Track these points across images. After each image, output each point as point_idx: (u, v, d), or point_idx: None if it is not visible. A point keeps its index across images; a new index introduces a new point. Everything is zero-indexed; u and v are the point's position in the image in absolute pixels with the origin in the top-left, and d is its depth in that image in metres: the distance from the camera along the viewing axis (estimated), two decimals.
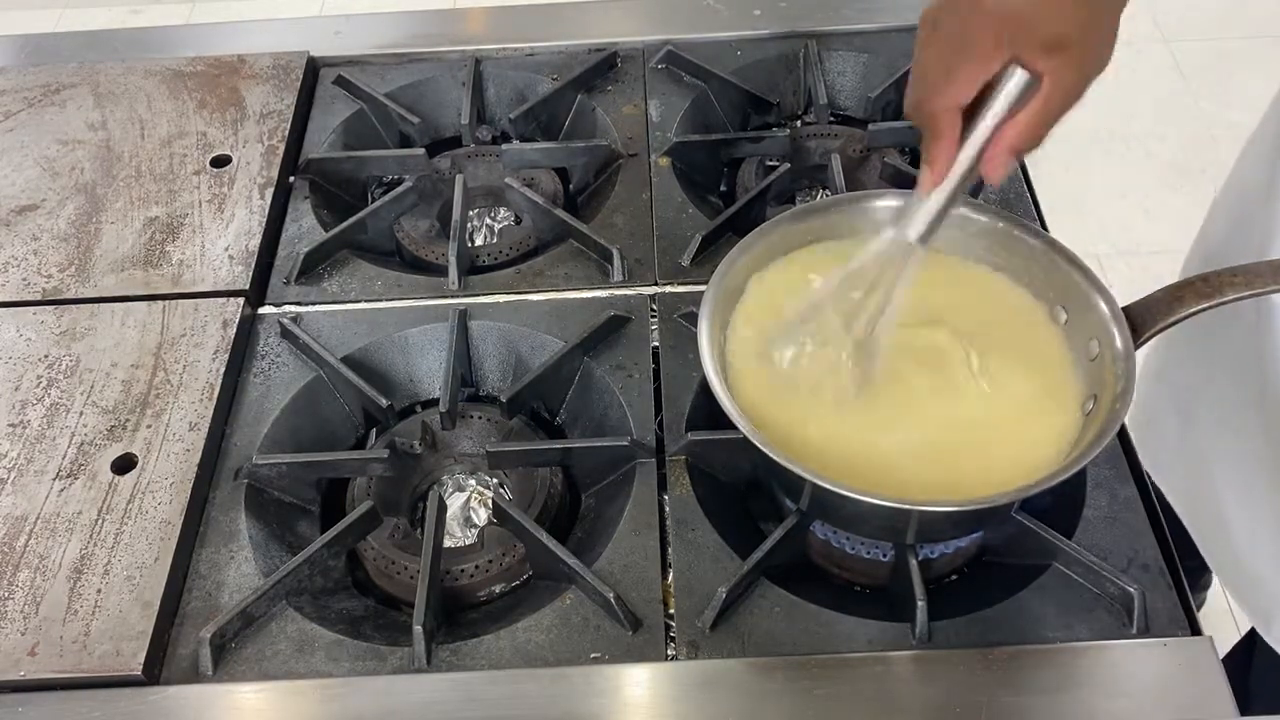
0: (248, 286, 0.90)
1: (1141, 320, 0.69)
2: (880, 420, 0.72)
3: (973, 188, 0.77)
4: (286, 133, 1.03)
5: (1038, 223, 0.94)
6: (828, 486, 0.63)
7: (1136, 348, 0.68)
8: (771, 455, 0.65)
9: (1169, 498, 1.00)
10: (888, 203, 0.79)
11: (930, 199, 0.64)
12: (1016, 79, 0.59)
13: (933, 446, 0.70)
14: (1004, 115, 0.60)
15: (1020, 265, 0.76)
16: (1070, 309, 0.73)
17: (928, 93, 0.60)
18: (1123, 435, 0.78)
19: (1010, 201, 0.95)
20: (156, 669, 0.70)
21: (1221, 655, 0.68)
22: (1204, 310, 0.67)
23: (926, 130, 0.62)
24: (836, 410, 0.72)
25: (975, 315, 0.76)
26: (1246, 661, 1.02)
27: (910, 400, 0.72)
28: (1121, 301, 0.71)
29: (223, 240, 0.94)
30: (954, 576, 0.76)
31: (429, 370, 0.89)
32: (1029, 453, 0.69)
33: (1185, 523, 0.98)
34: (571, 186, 1.05)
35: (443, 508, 0.79)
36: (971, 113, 0.61)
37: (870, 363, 0.71)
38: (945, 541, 0.73)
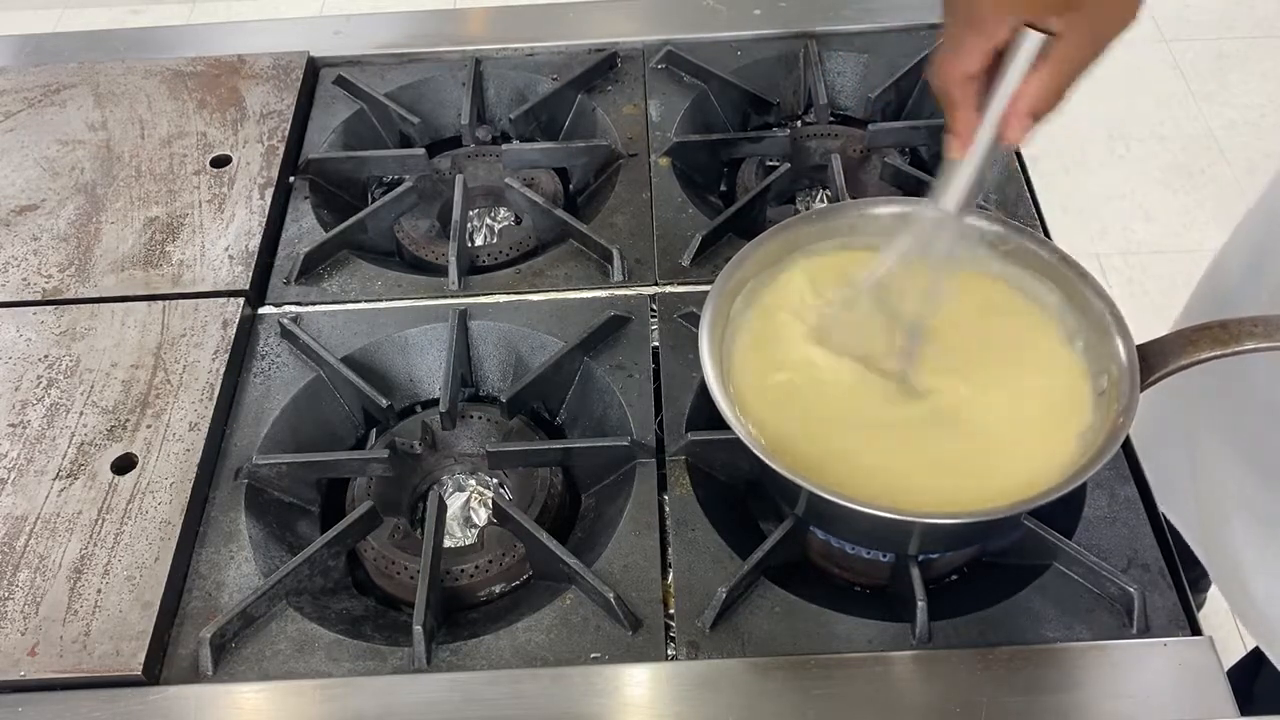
0: (248, 286, 0.90)
1: (1154, 360, 0.68)
2: (883, 429, 0.72)
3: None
4: (286, 133, 1.03)
5: (1038, 223, 0.94)
6: (825, 495, 0.63)
7: (1146, 387, 0.67)
8: (768, 461, 0.65)
9: (1183, 533, 0.99)
10: (896, 209, 0.79)
11: (960, 170, 0.64)
12: (1029, 42, 0.58)
13: (934, 459, 0.70)
14: (1020, 78, 0.59)
15: (1044, 288, 0.76)
16: (1087, 338, 0.73)
17: (939, 65, 0.61)
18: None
19: (1010, 201, 0.95)
20: (156, 669, 0.70)
21: (1229, 665, 0.68)
22: (1219, 358, 0.66)
23: (943, 101, 0.62)
24: (842, 410, 0.72)
25: (989, 330, 0.76)
26: (1255, 668, 1.02)
27: (915, 411, 0.72)
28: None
29: (223, 240, 0.94)
30: (954, 576, 0.76)
31: (429, 370, 0.89)
32: (1030, 469, 0.68)
33: (1200, 557, 0.98)
34: (571, 186, 1.05)
35: (443, 508, 0.79)
36: (993, 78, 0.61)
37: (916, 344, 0.71)
38: (942, 551, 0.73)
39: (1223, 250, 1.00)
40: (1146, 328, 1.08)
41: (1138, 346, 0.69)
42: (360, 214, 0.97)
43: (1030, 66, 0.59)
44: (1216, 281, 0.99)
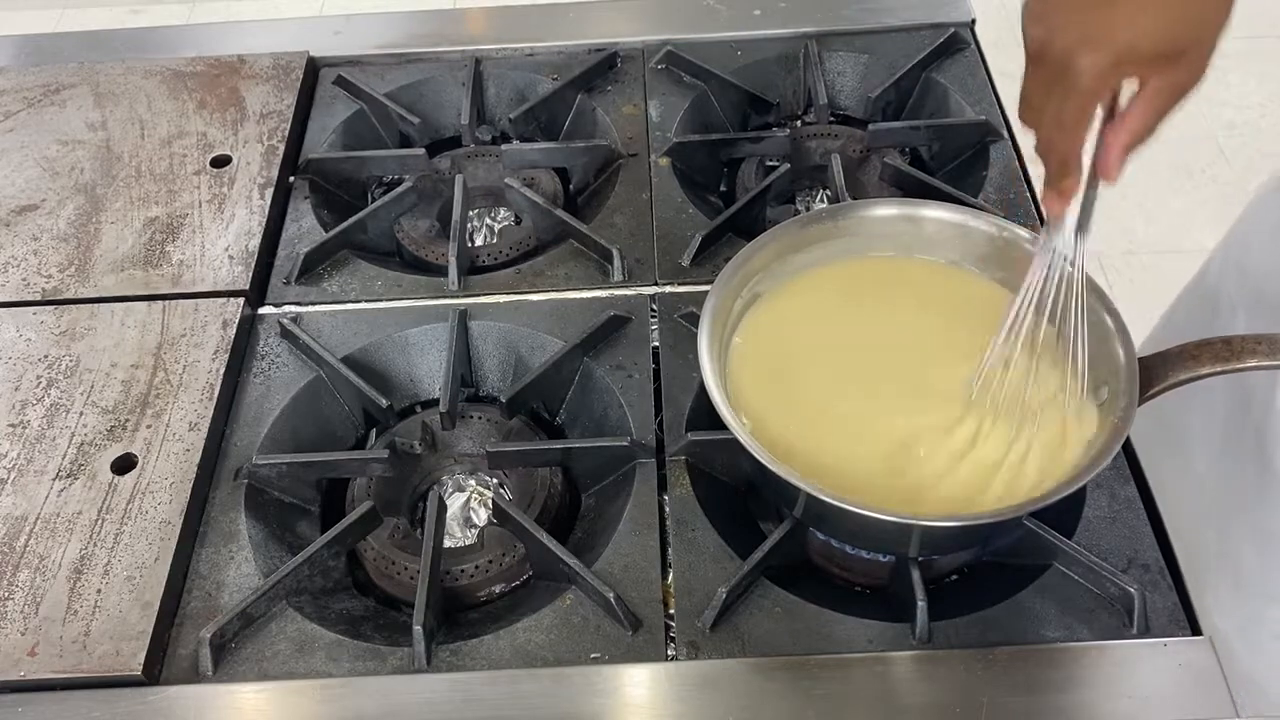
0: (248, 286, 0.90)
1: (1156, 373, 0.68)
2: (882, 431, 0.72)
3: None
4: (286, 133, 1.03)
5: (1039, 223, 0.93)
6: (823, 498, 0.63)
7: (1146, 400, 0.67)
8: (766, 463, 0.65)
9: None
10: (894, 210, 0.79)
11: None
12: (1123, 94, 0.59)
13: (935, 461, 0.70)
14: (1105, 122, 0.60)
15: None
16: (1094, 346, 0.72)
17: (1057, 140, 0.60)
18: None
19: (1011, 202, 0.95)
20: (156, 669, 0.70)
21: None
22: (1220, 374, 0.66)
23: (1056, 170, 0.62)
24: (843, 413, 0.72)
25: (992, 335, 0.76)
26: None
27: (915, 413, 0.72)
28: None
29: (223, 240, 0.94)
30: (954, 576, 0.76)
31: (429, 370, 0.89)
32: (1030, 471, 0.68)
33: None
34: (571, 186, 1.05)
35: (443, 508, 0.79)
36: None
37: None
38: (942, 554, 0.73)
39: (1213, 252, 1.00)
40: (1147, 328, 1.09)
41: (1140, 359, 0.69)
42: (360, 214, 0.97)
43: (1110, 111, 0.59)
44: (1205, 284, 0.99)
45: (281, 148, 1.02)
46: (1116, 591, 0.70)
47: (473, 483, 0.84)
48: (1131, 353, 0.69)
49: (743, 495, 0.81)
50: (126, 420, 0.82)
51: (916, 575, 0.69)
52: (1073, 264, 0.66)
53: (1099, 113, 0.59)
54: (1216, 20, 0.56)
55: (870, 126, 1.02)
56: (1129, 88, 0.59)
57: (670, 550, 0.74)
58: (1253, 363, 0.65)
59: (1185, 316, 1.01)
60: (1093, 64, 0.55)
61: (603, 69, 1.09)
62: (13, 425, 0.82)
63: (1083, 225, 0.66)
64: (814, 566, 0.76)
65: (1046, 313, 0.68)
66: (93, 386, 0.84)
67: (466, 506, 0.83)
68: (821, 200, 1.04)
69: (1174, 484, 0.95)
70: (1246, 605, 0.89)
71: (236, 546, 0.76)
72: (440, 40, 1.13)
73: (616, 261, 0.91)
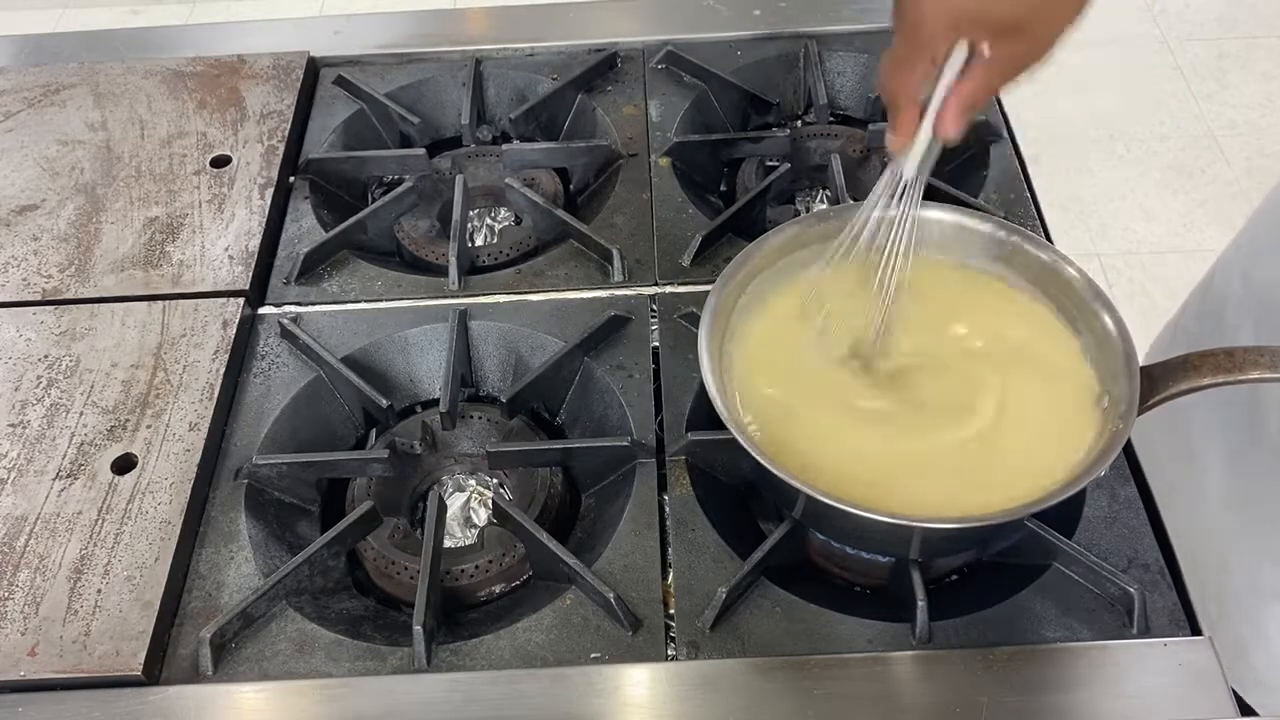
0: (248, 286, 0.90)
1: (1157, 382, 0.68)
2: (884, 432, 0.71)
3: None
4: (286, 133, 1.03)
5: (1038, 223, 0.94)
6: (824, 500, 0.63)
7: (1145, 409, 0.67)
8: (765, 464, 0.65)
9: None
10: (894, 211, 0.79)
11: (916, 143, 0.69)
12: (960, 55, 0.65)
13: (935, 463, 0.70)
14: (950, 84, 0.66)
15: (1062, 299, 0.76)
16: (1094, 352, 0.73)
17: (890, 77, 0.67)
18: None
19: (1011, 202, 0.95)
20: (156, 669, 0.70)
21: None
22: (1221, 385, 0.66)
23: (890, 105, 0.68)
24: (845, 415, 0.72)
25: (998, 338, 0.76)
26: None
27: (917, 415, 0.72)
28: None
29: (223, 240, 0.94)
30: (954, 576, 0.76)
31: (429, 370, 0.89)
32: (1030, 474, 0.68)
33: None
34: (571, 186, 1.05)
35: (443, 508, 0.79)
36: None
37: (888, 337, 0.74)
38: (943, 556, 0.73)
39: (1220, 259, 1.00)
40: (1147, 328, 1.09)
41: (1141, 368, 0.69)
42: (360, 214, 0.97)
43: (960, 73, 0.65)
44: (1211, 291, 0.99)
45: (281, 148, 1.02)
46: (1116, 591, 0.70)
47: (473, 483, 0.84)
48: (1133, 358, 0.69)
49: (743, 495, 0.81)
50: (126, 420, 0.82)
51: (916, 575, 0.69)
52: (905, 204, 0.72)
53: (949, 73, 0.65)
54: (1064, 7, 0.62)
55: (870, 126, 1.02)
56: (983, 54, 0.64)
57: (670, 550, 0.74)
58: (1254, 375, 0.65)
59: (1192, 325, 1.01)
60: (933, 19, 0.62)
61: (603, 69, 1.09)
62: (13, 425, 0.82)
63: (920, 171, 0.70)
64: (814, 566, 0.76)
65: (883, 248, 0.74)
66: (93, 386, 0.84)
67: (466, 506, 0.83)
68: (821, 200, 1.04)
69: (1182, 486, 0.95)
70: (1261, 609, 0.89)
71: (236, 546, 0.76)
72: (440, 40, 1.13)
73: (616, 261, 0.91)
